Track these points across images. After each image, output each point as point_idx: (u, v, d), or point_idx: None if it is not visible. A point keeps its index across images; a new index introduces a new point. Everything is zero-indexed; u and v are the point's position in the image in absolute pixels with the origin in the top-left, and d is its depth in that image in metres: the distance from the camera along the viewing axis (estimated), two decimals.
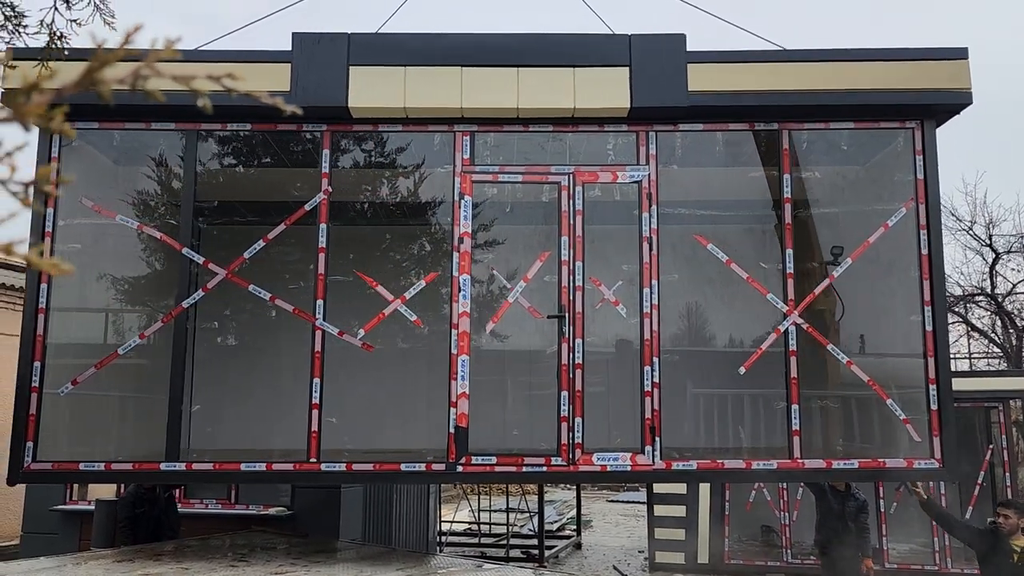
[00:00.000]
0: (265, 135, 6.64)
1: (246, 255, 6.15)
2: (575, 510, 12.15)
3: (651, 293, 6.05)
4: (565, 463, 5.89)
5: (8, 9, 4.83)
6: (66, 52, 4.80)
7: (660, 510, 10.89)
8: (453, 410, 5.91)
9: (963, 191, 27.68)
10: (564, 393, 5.95)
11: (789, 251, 6.13)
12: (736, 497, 10.55)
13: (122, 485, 9.49)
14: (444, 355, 5.98)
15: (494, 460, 5.90)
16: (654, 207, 6.14)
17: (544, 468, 5.92)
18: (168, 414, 5.90)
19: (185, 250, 6.07)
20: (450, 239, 6.11)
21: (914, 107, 6.15)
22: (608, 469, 5.90)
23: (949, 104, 6.11)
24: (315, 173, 6.23)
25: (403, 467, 5.89)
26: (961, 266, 26.31)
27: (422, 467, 5.89)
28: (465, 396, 5.93)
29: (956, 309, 18.70)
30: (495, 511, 12.77)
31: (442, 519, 12.25)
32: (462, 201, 6.13)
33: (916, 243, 6.13)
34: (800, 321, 6.07)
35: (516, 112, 6.08)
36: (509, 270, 6.36)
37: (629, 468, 5.91)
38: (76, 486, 10.64)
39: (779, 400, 6.05)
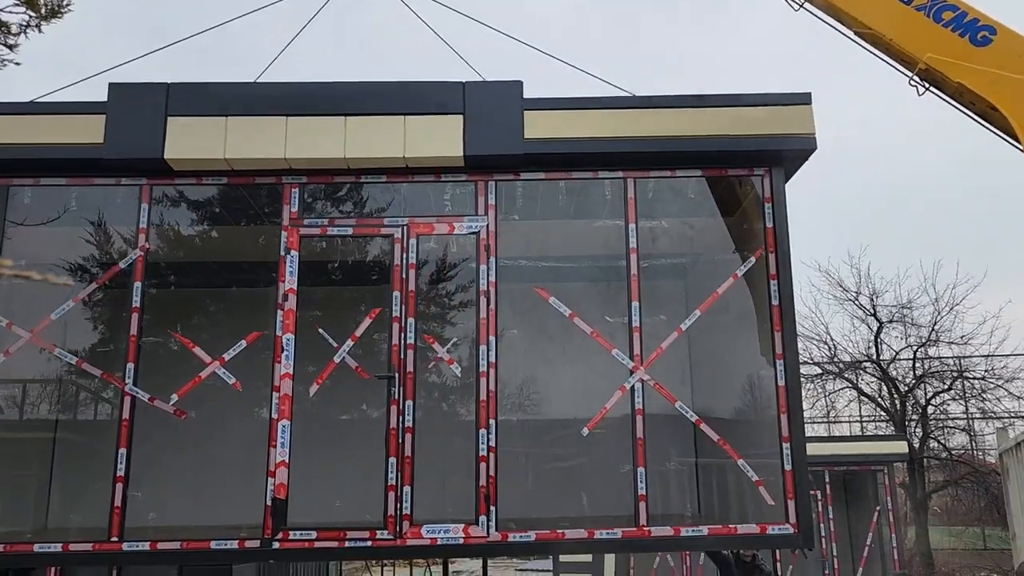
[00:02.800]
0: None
1: (53, 316, 5.74)
2: None
3: (488, 350, 5.68)
4: (392, 536, 5.42)
5: None
6: None
7: None
8: (271, 480, 5.46)
9: (848, 263, 30.07)
10: (392, 459, 5.52)
11: (635, 304, 5.82)
12: (640, 564, 10.04)
13: None
14: (265, 421, 5.56)
15: (314, 535, 5.41)
16: (492, 259, 5.83)
17: (369, 542, 5.44)
18: None
19: None
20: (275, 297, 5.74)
21: (760, 153, 5.94)
22: (439, 542, 5.43)
23: (795, 150, 5.90)
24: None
25: (213, 545, 5.39)
26: (850, 334, 28.02)
27: (234, 544, 5.40)
28: (284, 465, 5.48)
29: (846, 375, 19.47)
30: None
31: None
32: (288, 256, 5.78)
33: (767, 294, 5.85)
34: (647, 377, 5.72)
35: (345, 162, 5.80)
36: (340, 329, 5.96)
37: (462, 541, 5.44)
38: None
39: (625, 464, 5.65)
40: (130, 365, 5.61)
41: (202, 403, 6.37)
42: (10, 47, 4.33)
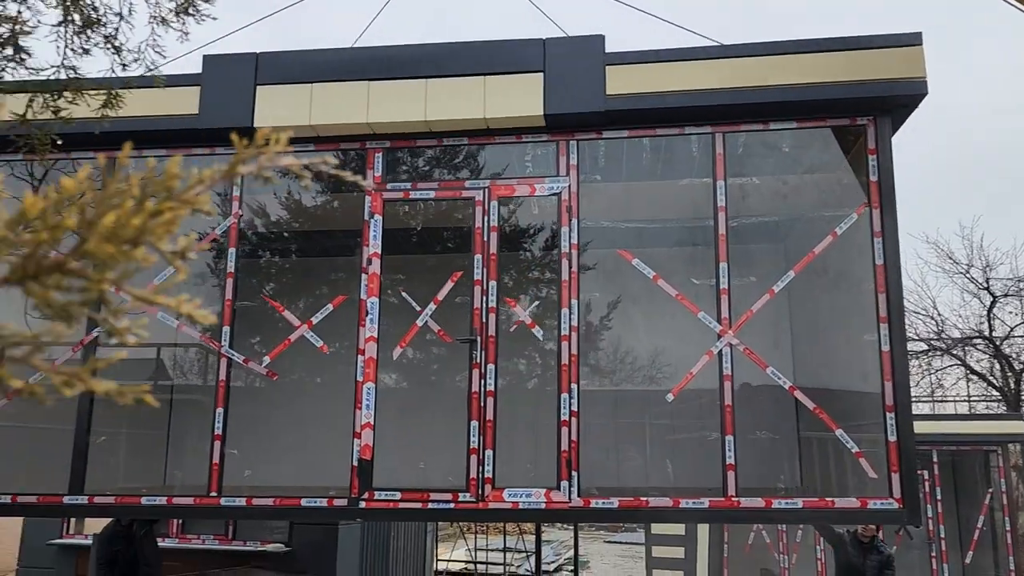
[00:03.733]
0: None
1: (156, 281, 6.02)
2: (572, 550, 11.54)
3: (570, 314, 5.57)
4: (474, 499, 5.43)
5: (71, 72, 5.08)
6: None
7: (658, 551, 10.15)
8: (357, 441, 5.57)
9: (960, 235, 28.98)
10: (474, 423, 5.51)
11: (723, 265, 5.54)
12: (735, 539, 9.72)
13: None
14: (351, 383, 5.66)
15: (398, 496, 5.49)
16: (574, 221, 5.69)
17: (451, 505, 5.47)
18: (73, 446, 5.78)
19: None
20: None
21: (865, 100, 5.50)
22: (520, 506, 5.40)
23: (904, 95, 5.44)
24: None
25: (303, 502, 5.56)
26: (959, 309, 27.24)
27: (323, 503, 5.56)
28: (370, 426, 5.58)
29: (955, 352, 18.28)
30: (492, 550, 12.26)
31: (439, 558, 11.83)
32: (372, 220, 5.84)
33: (870, 252, 5.45)
34: (735, 341, 5.46)
35: (427, 125, 5.78)
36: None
37: (543, 505, 5.39)
38: (73, 520, 10.75)
39: (712, 431, 5.42)
40: (226, 328, 5.83)
41: (297, 366, 6.56)
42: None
